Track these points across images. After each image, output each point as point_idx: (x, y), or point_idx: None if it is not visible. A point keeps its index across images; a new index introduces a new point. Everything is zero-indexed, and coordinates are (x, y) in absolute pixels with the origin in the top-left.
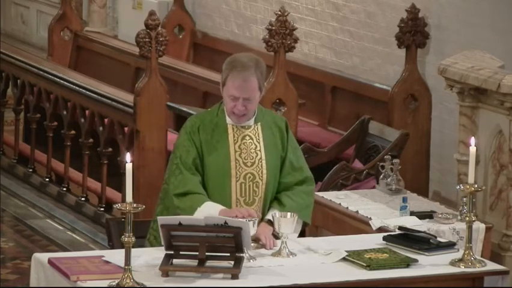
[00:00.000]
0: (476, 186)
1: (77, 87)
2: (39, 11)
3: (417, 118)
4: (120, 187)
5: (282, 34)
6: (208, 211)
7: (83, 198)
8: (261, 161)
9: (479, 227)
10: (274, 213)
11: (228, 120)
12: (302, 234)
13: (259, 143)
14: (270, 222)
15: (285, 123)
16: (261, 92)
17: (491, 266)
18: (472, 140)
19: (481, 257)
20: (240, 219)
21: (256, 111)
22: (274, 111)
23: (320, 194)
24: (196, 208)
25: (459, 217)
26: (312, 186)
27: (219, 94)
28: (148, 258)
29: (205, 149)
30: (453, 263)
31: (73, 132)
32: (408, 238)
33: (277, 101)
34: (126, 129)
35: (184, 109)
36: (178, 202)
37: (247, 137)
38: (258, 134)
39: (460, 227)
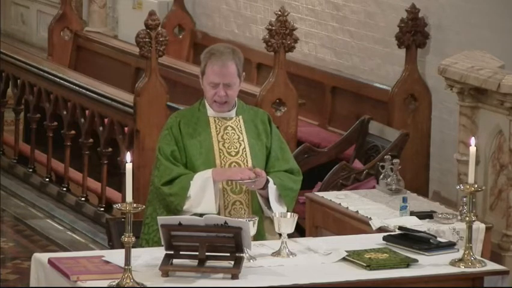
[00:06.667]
0: (476, 186)
1: (77, 87)
2: (39, 11)
3: (417, 118)
4: (120, 187)
5: (282, 34)
6: (201, 180)
7: (83, 198)
8: (245, 151)
9: (479, 227)
10: (274, 214)
11: (210, 113)
12: (302, 234)
13: (241, 133)
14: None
15: (267, 117)
16: (240, 80)
17: (491, 266)
18: (472, 140)
19: (481, 257)
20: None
21: (237, 103)
22: (256, 106)
23: (320, 194)
24: (187, 187)
25: (459, 217)
26: (299, 177)
27: None
28: (148, 258)
29: (188, 142)
30: (453, 263)
31: (73, 132)
32: (408, 238)
33: (277, 101)
34: (126, 129)
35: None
36: (168, 190)
37: (229, 128)
38: (240, 125)
39: (460, 227)
